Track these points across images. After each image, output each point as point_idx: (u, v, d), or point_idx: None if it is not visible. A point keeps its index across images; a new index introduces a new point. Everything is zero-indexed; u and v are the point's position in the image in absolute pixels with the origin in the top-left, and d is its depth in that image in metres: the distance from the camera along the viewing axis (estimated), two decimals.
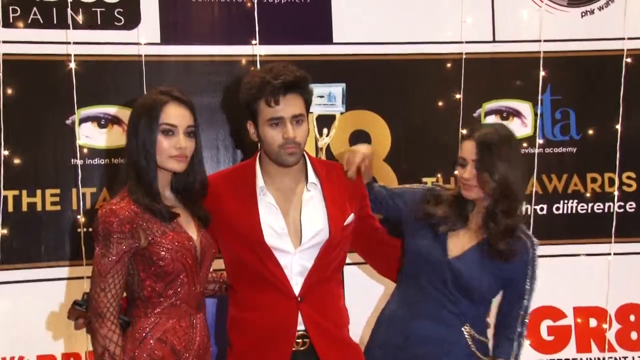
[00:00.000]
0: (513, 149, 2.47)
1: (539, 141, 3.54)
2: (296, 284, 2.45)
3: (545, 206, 3.58)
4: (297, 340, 2.44)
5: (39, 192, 3.25)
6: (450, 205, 2.54)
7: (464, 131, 2.55)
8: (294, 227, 2.47)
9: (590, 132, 3.60)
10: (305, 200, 2.49)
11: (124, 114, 3.27)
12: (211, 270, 2.58)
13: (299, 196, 2.50)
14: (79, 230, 3.25)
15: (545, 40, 3.52)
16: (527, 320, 2.55)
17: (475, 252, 2.49)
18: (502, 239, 2.44)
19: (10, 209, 3.22)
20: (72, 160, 3.27)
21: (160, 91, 2.37)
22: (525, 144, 3.52)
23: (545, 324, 3.56)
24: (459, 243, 2.52)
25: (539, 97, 3.53)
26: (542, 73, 3.51)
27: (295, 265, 2.45)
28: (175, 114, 2.33)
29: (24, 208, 3.24)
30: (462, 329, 2.51)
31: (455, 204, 2.54)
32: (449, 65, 3.52)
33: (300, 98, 2.43)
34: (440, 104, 3.51)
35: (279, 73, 2.38)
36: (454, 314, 2.50)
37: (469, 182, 2.46)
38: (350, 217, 2.56)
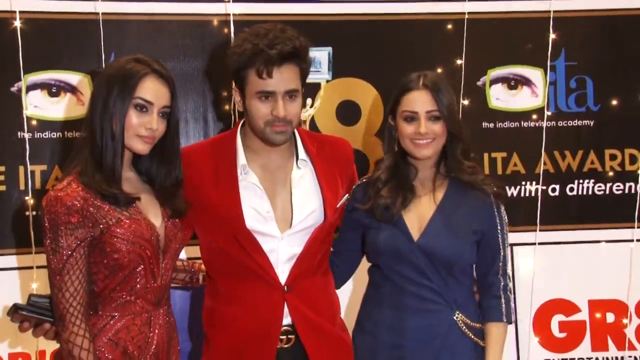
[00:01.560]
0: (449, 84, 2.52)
1: (549, 113, 3.44)
2: (282, 273, 2.38)
3: (557, 186, 3.48)
4: (282, 337, 2.38)
5: None
6: (389, 182, 2.47)
7: (416, 87, 2.46)
8: (282, 209, 2.40)
9: (611, 102, 3.51)
10: (296, 180, 2.42)
11: (79, 80, 3.20)
12: (184, 258, 2.51)
13: (287, 175, 2.43)
14: (27, 213, 3.13)
15: None
16: (509, 271, 2.53)
17: (438, 220, 2.45)
18: (465, 172, 2.48)
19: None
20: (19, 133, 3.16)
21: (138, 59, 2.26)
22: (535, 116, 3.43)
23: (556, 319, 3.48)
24: (416, 218, 2.46)
25: (551, 63, 3.42)
26: (552, 35, 3.40)
27: (282, 252, 2.38)
28: (153, 89, 2.23)
29: None
30: (454, 317, 2.44)
31: (394, 178, 2.48)
32: (449, 26, 3.41)
33: (296, 69, 2.32)
34: (439, 70, 3.34)
35: (274, 40, 2.26)
36: (442, 303, 2.45)
37: (425, 137, 2.41)
38: (344, 198, 2.52)
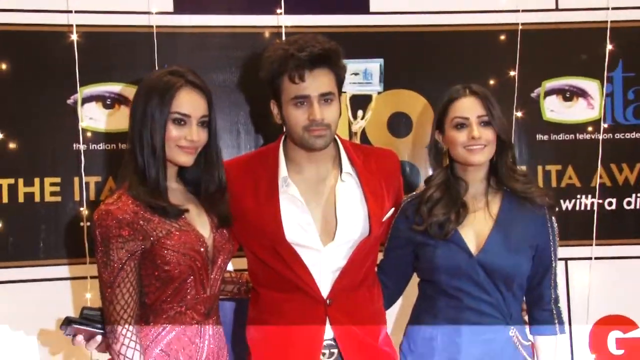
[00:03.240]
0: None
1: (606, 125, 3.41)
2: (324, 286, 2.39)
3: (614, 200, 3.43)
4: (324, 351, 2.38)
5: (37, 180, 3.18)
6: (441, 199, 2.49)
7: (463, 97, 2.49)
8: (324, 221, 2.40)
9: None
10: (340, 192, 2.42)
11: (133, 92, 3.08)
12: (231, 269, 2.57)
13: (331, 187, 2.44)
14: (81, 224, 3.18)
15: (613, 8, 3.38)
16: (557, 283, 2.56)
17: (496, 235, 2.46)
18: (518, 182, 2.49)
19: (5, 199, 3.17)
20: (74, 145, 3.19)
21: (172, 72, 2.30)
22: (591, 128, 3.40)
23: (613, 335, 3.42)
24: (473, 233, 2.48)
25: (608, 74, 3.39)
26: (609, 46, 3.37)
27: (325, 265, 2.39)
28: (189, 102, 2.27)
29: (20, 199, 3.18)
30: (510, 333, 2.47)
31: (446, 194, 2.50)
32: (502, 37, 3.40)
33: (330, 74, 2.35)
34: (492, 82, 3.37)
35: (305, 45, 2.31)
36: (499, 318, 2.46)
37: (479, 142, 2.42)
38: (390, 212, 2.52)
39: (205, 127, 2.31)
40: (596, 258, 3.35)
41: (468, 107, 2.44)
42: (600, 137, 3.37)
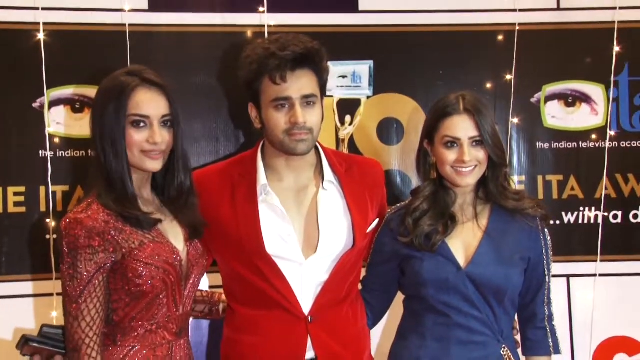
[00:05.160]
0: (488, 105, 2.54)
1: (612, 132, 3.37)
2: (306, 301, 2.37)
3: (619, 213, 3.39)
4: None
5: None
6: (429, 210, 2.48)
7: (447, 109, 2.45)
8: (306, 233, 2.40)
9: None
10: (322, 202, 2.40)
11: None
12: (206, 286, 2.53)
13: (312, 197, 2.43)
14: (47, 236, 3.14)
15: (621, 8, 3.35)
16: (552, 300, 2.54)
17: (486, 247, 2.45)
18: (509, 199, 2.48)
19: None
20: (40, 152, 3.16)
21: (128, 72, 2.27)
22: (595, 136, 3.36)
23: (618, 358, 3.38)
24: (462, 246, 2.46)
25: (614, 79, 3.36)
26: (616, 48, 3.34)
27: (306, 279, 2.38)
28: (146, 102, 2.23)
29: None
30: (501, 351, 2.45)
31: (434, 205, 2.48)
32: (500, 38, 3.37)
33: (312, 75, 2.35)
34: (488, 86, 3.36)
35: (286, 44, 2.30)
36: (490, 335, 2.44)
37: (469, 165, 2.40)
38: (374, 223, 2.51)
39: (169, 127, 2.25)
40: (600, 275, 3.30)
41: (460, 127, 2.41)
42: (606, 145, 3.33)
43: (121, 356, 2.19)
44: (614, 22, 3.34)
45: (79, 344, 2.12)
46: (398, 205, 2.56)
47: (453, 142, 2.39)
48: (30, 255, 3.14)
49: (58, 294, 2.92)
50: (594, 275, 3.29)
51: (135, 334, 2.21)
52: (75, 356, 2.13)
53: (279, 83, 2.28)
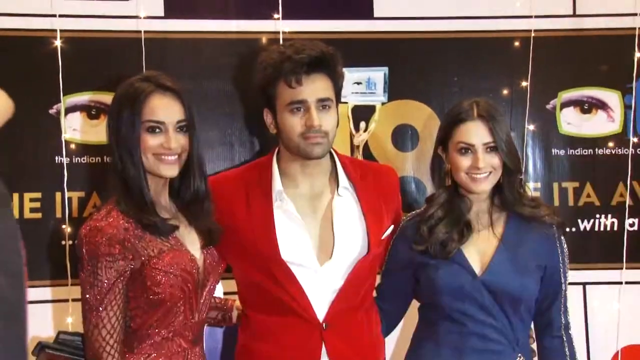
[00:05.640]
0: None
1: (632, 140, 3.35)
2: (320, 308, 2.36)
3: (635, 221, 3.36)
4: None
5: (15, 196, 3.13)
6: (444, 217, 2.47)
7: (472, 120, 2.43)
8: (321, 239, 2.39)
9: None
10: (337, 208, 2.40)
11: None
12: (219, 294, 2.55)
13: (327, 203, 2.42)
14: (63, 242, 3.14)
15: None
16: (568, 308, 2.53)
17: (502, 255, 2.43)
18: (526, 206, 2.47)
19: None
20: (57, 158, 3.16)
21: (143, 78, 2.27)
22: (612, 143, 3.35)
23: None
24: (477, 254, 2.45)
25: (629, 85, 3.34)
26: (637, 54, 3.31)
27: (321, 285, 2.37)
28: (161, 108, 2.23)
29: None
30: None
31: (449, 213, 2.47)
32: (516, 44, 3.36)
33: (327, 80, 2.36)
34: (504, 92, 3.36)
35: (302, 48, 2.33)
36: (505, 344, 2.43)
37: (483, 171, 2.39)
38: (389, 230, 2.50)
39: (184, 132, 2.25)
40: (617, 283, 3.27)
41: (474, 133, 2.40)
42: (630, 152, 3.30)
43: None
44: (634, 28, 3.31)
45: (99, 352, 2.13)
46: (413, 212, 2.56)
47: (467, 149, 2.39)
48: (45, 261, 3.13)
49: (74, 300, 2.98)
50: (610, 283, 3.26)
51: (152, 341, 2.21)
52: None
53: (294, 86, 2.29)
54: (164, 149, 2.20)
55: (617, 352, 3.25)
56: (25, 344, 1.19)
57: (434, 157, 2.52)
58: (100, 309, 2.12)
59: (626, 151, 3.32)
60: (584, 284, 3.24)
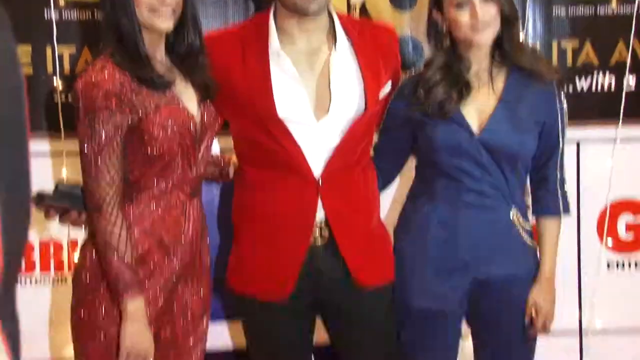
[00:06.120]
0: None
1: None
2: (316, 165, 2.37)
3: (633, 78, 3.28)
4: (315, 235, 2.39)
5: None
6: (442, 80, 2.44)
7: None
8: (318, 95, 2.37)
9: None
10: (335, 64, 2.38)
11: None
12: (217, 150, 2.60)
13: (325, 59, 2.39)
14: (55, 97, 3.10)
15: None
16: (564, 166, 2.58)
17: (500, 113, 2.44)
18: (525, 55, 2.46)
19: None
20: (45, 11, 3.06)
21: None
22: (614, 1, 3.19)
23: (623, 219, 3.37)
24: (476, 112, 2.46)
25: None
26: None
27: (317, 141, 2.37)
28: None
29: None
30: (511, 215, 2.48)
31: (448, 75, 2.44)
32: None
33: None
34: None
35: None
36: (501, 199, 2.47)
37: (483, 20, 2.35)
38: (387, 87, 2.48)
39: None
40: (613, 140, 3.25)
41: None
42: (635, 10, 3.15)
43: (138, 214, 2.24)
44: None
45: (100, 203, 2.16)
46: (413, 73, 2.55)
47: (464, 2, 2.36)
48: (38, 115, 3.09)
49: (68, 155, 2.96)
50: (606, 139, 3.24)
51: (150, 193, 2.25)
52: (96, 216, 2.18)
53: None
54: (158, 2, 2.16)
55: (606, 206, 3.29)
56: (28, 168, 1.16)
57: (429, 21, 2.48)
58: (99, 161, 2.15)
59: (631, 8, 3.19)
60: (578, 142, 3.23)
